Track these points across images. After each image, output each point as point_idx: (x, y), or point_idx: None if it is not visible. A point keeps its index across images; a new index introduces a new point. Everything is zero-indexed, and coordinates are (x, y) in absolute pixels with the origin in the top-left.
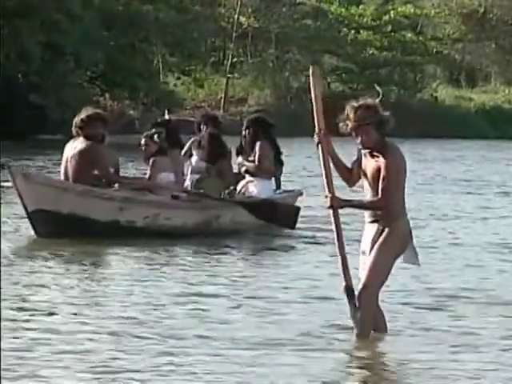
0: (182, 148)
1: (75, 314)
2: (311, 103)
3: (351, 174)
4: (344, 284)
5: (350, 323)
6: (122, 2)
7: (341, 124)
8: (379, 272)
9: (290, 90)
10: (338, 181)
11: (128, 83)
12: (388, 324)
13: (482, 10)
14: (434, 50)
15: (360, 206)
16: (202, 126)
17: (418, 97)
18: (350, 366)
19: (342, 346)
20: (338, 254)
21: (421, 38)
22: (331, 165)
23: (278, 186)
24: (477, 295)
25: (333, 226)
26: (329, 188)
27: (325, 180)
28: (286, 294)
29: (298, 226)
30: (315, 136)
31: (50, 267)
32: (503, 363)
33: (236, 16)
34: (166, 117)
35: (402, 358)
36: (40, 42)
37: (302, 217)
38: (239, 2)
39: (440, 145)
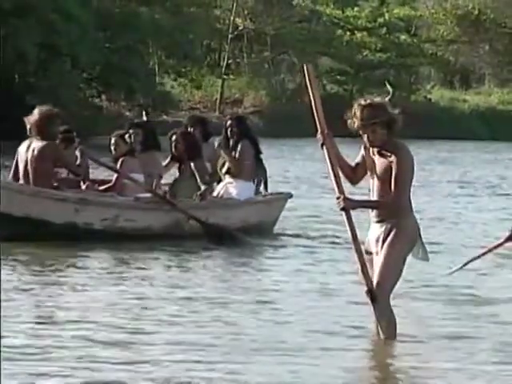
0: (159, 149)
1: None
2: (310, 103)
3: (355, 173)
4: (366, 288)
5: (346, 327)
6: (119, 3)
7: (349, 121)
8: (392, 272)
9: (286, 91)
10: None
11: (124, 84)
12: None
13: (476, 12)
14: (429, 52)
15: (372, 205)
16: (189, 129)
17: (412, 98)
18: (357, 371)
19: (346, 350)
20: (357, 259)
21: (415, 40)
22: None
23: (266, 187)
24: (465, 295)
25: (347, 229)
26: (339, 189)
27: (333, 181)
28: (276, 296)
29: (287, 226)
30: (318, 136)
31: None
32: (501, 362)
33: (232, 18)
34: (144, 118)
35: (401, 363)
36: (37, 42)
37: (291, 218)
38: (235, 4)
39: (434, 146)
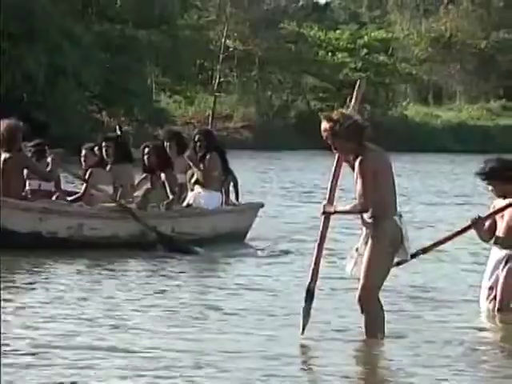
0: (131, 162)
1: None
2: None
3: None
4: (307, 285)
5: (332, 332)
6: (119, 27)
7: None
8: (373, 273)
9: (273, 107)
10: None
11: (123, 101)
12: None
13: (448, 34)
14: (405, 71)
15: (345, 211)
16: (165, 143)
17: (389, 114)
18: (338, 370)
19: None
20: (314, 257)
21: (392, 60)
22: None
23: (237, 196)
24: (445, 297)
25: (319, 230)
26: (328, 196)
27: (328, 188)
28: (255, 302)
29: (261, 235)
30: None
31: None
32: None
33: (223, 40)
34: (118, 132)
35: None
36: (43, 63)
37: (267, 226)
38: (226, 27)
39: (410, 158)
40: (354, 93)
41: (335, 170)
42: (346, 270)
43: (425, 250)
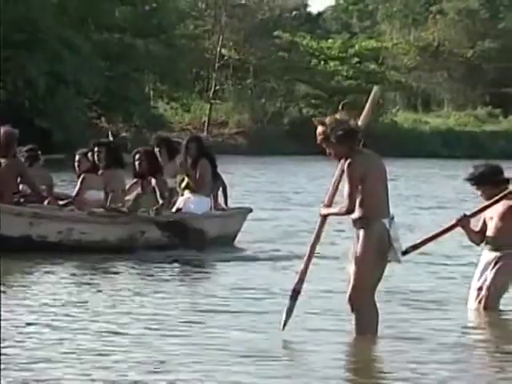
0: (122, 167)
1: None
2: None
3: None
4: (294, 284)
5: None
6: (117, 36)
7: None
8: (362, 274)
9: (267, 114)
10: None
11: (122, 108)
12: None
13: (435, 43)
14: (394, 79)
15: (334, 213)
16: (155, 148)
17: (379, 121)
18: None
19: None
20: (305, 257)
21: (382, 69)
22: None
23: (226, 201)
24: (434, 298)
25: (315, 230)
26: (328, 199)
27: (329, 191)
28: (247, 304)
29: (250, 239)
30: None
31: None
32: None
33: (218, 49)
34: (111, 138)
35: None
36: (44, 71)
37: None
38: (221, 37)
39: (399, 163)
40: (368, 102)
41: (337, 174)
42: (348, 270)
43: (414, 247)
